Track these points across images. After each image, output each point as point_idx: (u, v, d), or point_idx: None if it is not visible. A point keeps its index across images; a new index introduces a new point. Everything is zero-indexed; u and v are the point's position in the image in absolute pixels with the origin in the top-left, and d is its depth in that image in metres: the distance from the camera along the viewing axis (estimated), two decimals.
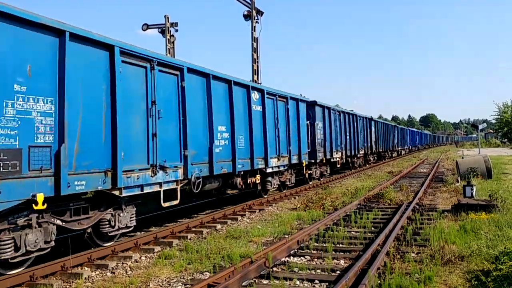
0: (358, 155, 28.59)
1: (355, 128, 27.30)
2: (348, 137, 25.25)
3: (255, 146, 13.07)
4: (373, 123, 33.82)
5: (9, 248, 6.17)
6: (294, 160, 16.28)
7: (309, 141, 18.27)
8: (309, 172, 18.61)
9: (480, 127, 40.57)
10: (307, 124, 18.23)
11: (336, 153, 22.30)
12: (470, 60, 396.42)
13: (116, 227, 8.17)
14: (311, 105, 19.21)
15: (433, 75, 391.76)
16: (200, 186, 10.12)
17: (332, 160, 21.55)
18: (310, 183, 18.92)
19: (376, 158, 36.63)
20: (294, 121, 16.57)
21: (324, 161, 20.35)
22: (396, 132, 46.99)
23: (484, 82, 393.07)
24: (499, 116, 50.83)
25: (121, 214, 8.25)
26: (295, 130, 16.66)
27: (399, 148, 48.87)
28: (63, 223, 7.10)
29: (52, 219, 6.86)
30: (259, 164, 13.38)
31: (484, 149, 46.96)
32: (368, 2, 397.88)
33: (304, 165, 17.35)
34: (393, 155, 44.92)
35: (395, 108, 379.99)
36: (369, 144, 31.89)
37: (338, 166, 22.97)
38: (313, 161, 18.66)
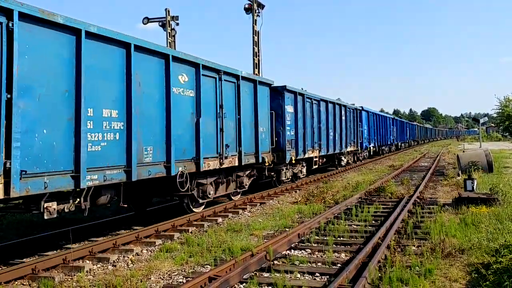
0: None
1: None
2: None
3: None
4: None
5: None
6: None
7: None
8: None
9: (482, 121, 40.56)
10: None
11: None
12: (472, 54, 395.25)
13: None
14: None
15: (435, 68, 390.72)
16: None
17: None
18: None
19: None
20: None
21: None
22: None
23: (486, 76, 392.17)
24: (500, 110, 50.79)
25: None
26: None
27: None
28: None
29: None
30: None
31: (485, 143, 46.93)
32: None
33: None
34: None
35: (396, 101, 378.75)
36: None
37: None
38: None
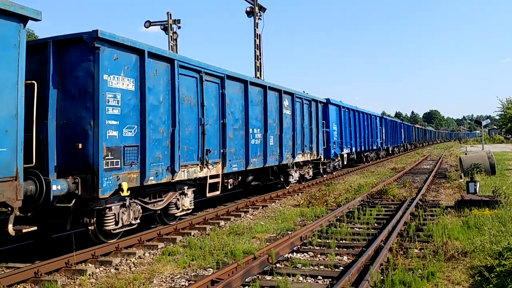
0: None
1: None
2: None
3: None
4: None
5: None
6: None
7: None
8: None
9: (484, 123, 40.46)
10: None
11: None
12: (473, 56, 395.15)
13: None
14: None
15: (436, 70, 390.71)
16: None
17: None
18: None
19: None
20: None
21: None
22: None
23: (487, 77, 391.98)
24: (502, 112, 50.66)
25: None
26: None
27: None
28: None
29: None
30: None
31: (487, 145, 46.88)
32: None
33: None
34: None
35: (398, 104, 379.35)
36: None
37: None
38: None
